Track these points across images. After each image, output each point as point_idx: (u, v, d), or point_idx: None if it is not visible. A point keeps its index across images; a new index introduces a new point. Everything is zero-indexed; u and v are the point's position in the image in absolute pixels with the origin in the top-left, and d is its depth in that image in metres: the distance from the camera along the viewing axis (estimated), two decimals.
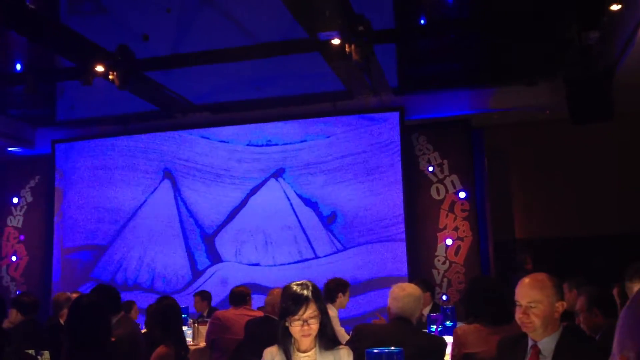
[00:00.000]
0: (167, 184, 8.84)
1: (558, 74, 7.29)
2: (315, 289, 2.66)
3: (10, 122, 9.13)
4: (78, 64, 7.02)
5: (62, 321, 4.99)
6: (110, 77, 6.93)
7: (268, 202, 8.38)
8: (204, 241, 8.59)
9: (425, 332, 4.33)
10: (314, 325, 2.59)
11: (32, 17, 6.16)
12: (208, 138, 8.77)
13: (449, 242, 7.92)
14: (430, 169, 8.14)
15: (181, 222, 8.70)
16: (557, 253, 7.92)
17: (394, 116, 8.16)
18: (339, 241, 8.13)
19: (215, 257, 8.53)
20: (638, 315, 1.49)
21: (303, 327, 2.57)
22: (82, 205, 9.12)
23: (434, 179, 8.12)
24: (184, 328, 5.06)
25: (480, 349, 3.19)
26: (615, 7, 5.58)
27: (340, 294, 5.39)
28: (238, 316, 5.29)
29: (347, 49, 6.15)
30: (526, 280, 2.61)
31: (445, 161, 8.11)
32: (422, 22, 8.40)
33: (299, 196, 8.31)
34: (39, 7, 7.69)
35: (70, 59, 7.15)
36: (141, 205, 8.88)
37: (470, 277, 7.11)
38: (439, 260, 7.94)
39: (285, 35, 7.21)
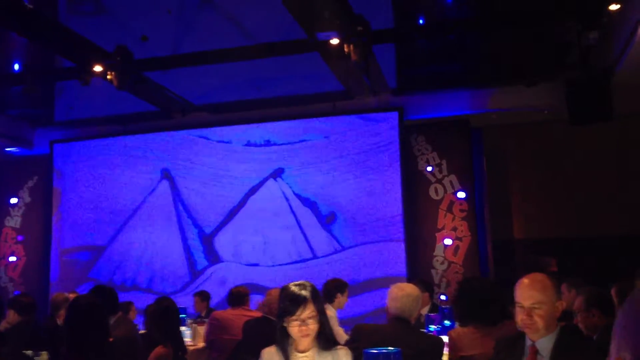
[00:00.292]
0: (165, 184, 8.84)
1: (557, 74, 7.30)
2: (313, 290, 2.66)
3: (8, 122, 9.12)
4: (77, 64, 7.01)
5: (59, 322, 4.98)
6: (109, 77, 6.92)
7: (267, 202, 8.37)
8: (202, 241, 8.59)
9: (424, 332, 4.33)
10: (312, 326, 2.58)
11: (31, 17, 6.15)
12: (207, 138, 8.77)
13: (447, 242, 7.92)
14: (429, 169, 8.14)
15: (180, 222, 8.69)
16: (555, 253, 7.93)
17: (393, 116, 8.16)
18: (338, 241, 8.13)
19: (213, 257, 8.52)
20: (633, 315, 1.48)
21: (301, 327, 2.57)
22: (80, 205, 9.11)
23: (433, 179, 8.12)
24: (183, 328, 5.06)
25: (475, 352, 3.19)
26: (614, 7, 5.58)
27: (338, 294, 5.39)
28: (236, 316, 5.28)
29: (346, 49, 6.15)
30: (526, 281, 2.60)
31: (444, 161, 8.11)
32: (421, 22, 8.40)
33: (298, 196, 8.31)
34: (38, 6, 7.68)
35: (69, 59, 7.14)
36: (140, 205, 8.87)
37: (462, 278, 7.10)
38: (437, 261, 7.94)
39: (284, 35, 7.20)
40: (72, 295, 5.23)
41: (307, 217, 8.23)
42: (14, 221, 9.48)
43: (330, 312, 4.99)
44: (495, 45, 7.94)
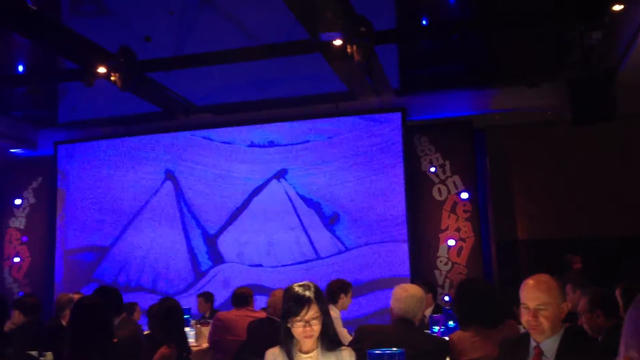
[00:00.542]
0: (169, 185, 8.85)
1: (560, 74, 7.29)
2: (317, 290, 2.66)
3: (12, 123, 9.15)
4: (80, 66, 7.03)
5: (64, 322, 4.99)
6: (112, 78, 6.94)
7: (270, 203, 8.38)
8: (206, 242, 8.60)
9: (428, 333, 4.33)
10: (316, 327, 2.59)
11: (34, 19, 6.17)
12: (210, 139, 8.78)
13: (451, 243, 7.91)
14: (432, 169, 8.14)
15: (183, 223, 8.71)
16: (559, 254, 7.91)
17: (396, 117, 8.16)
18: (342, 242, 8.13)
19: (217, 258, 8.53)
20: None
21: (305, 328, 2.58)
22: (84, 206, 9.13)
23: (436, 180, 8.11)
24: (187, 329, 5.06)
25: (477, 355, 3.18)
26: (617, 8, 5.57)
27: (342, 295, 5.39)
28: (240, 317, 5.29)
29: (348, 50, 6.16)
30: (531, 282, 2.59)
31: (447, 162, 8.10)
32: (424, 22, 8.39)
33: (301, 197, 8.31)
34: (41, 8, 7.70)
35: (72, 60, 7.16)
36: (143, 206, 8.89)
37: (459, 280, 7.09)
38: (441, 261, 7.94)
39: (286, 36, 7.21)
40: (76, 296, 5.25)
41: (310, 218, 8.24)
42: (18, 222, 9.51)
43: (334, 312, 4.99)
44: (498, 46, 7.94)
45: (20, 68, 8.63)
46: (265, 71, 8.10)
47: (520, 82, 7.67)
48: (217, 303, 7.57)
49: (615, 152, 8.11)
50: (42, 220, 9.38)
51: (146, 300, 7.28)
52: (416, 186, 8.08)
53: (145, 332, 4.84)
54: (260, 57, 7.46)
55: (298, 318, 2.58)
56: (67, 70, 8.56)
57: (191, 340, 5.65)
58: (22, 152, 9.46)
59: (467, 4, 8.21)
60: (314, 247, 8.20)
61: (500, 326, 3.29)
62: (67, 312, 4.83)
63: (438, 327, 4.63)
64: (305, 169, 8.35)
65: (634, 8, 5.63)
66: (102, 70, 6.82)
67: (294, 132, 8.47)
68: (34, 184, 9.55)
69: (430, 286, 6.07)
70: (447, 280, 7.87)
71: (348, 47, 6.14)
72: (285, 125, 8.52)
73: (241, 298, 5.51)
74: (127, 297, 5.93)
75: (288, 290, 2.68)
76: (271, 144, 8.54)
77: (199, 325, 6.10)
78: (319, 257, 8.17)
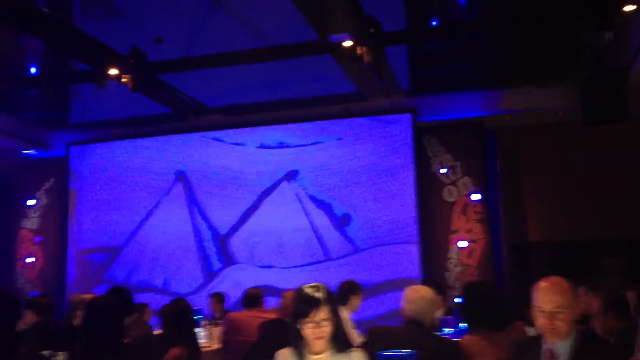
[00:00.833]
0: (180, 186, 8.89)
1: (571, 75, 7.25)
2: (327, 292, 2.66)
3: (25, 124, 9.23)
4: (92, 67, 7.08)
5: (76, 323, 5.02)
6: (124, 80, 6.99)
7: (281, 204, 8.39)
8: (216, 243, 8.62)
9: (439, 334, 4.31)
10: (326, 328, 2.59)
11: (46, 21, 6.23)
12: (221, 140, 8.81)
13: (461, 244, 7.88)
14: (443, 171, 8.11)
15: (194, 224, 8.74)
16: (571, 256, 7.85)
17: (406, 118, 8.15)
18: (352, 243, 8.13)
19: (228, 259, 8.56)
20: None
21: (315, 329, 2.58)
22: (96, 207, 9.19)
23: (447, 181, 8.09)
24: (198, 330, 5.08)
25: (486, 359, 3.17)
26: (629, 8, 5.54)
27: (352, 296, 5.38)
28: (251, 318, 5.29)
29: (358, 51, 6.16)
30: (546, 285, 2.57)
31: (458, 163, 8.08)
32: (434, 23, 8.38)
33: (312, 198, 8.32)
34: (53, 10, 7.76)
35: (84, 62, 7.21)
36: (154, 207, 8.93)
37: (465, 283, 7.07)
38: (451, 263, 7.91)
39: (296, 37, 7.22)
40: (88, 297, 5.28)
41: (321, 219, 8.24)
42: (31, 222, 9.58)
43: (345, 314, 4.99)
44: (508, 46, 7.91)
45: (33, 70, 8.70)
46: (276, 72, 8.12)
47: (531, 83, 7.64)
48: (227, 304, 7.58)
49: (627, 152, 8.05)
50: (54, 220, 9.45)
51: (157, 301, 7.29)
52: (426, 187, 8.06)
53: (157, 332, 4.86)
54: (271, 59, 7.48)
55: (308, 319, 2.58)
56: (79, 72, 8.64)
57: (202, 340, 5.67)
58: (35, 153, 9.55)
59: (478, 5, 8.19)
60: (324, 248, 8.20)
61: (507, 328, 3.27)
62: (79, 313, 4.85)
63: (449, 329, 4.61)
64: (316, 170, 8.35)
65: None
66: (113, 71, 6.87)
67: (305, 133, 8.48)
68: (47, 185, 9.62)
69: (440, 288, 6.05)
70: (458, 282, 7.83)
71: (358, 48, 6.14)
72: (296, 127, 8.53)
73: (252, 299, 5.52)
74: (139, 298, 5.96)
75: (298, 292, 2.68)
76: (281, 145, 8.55)
77: (210, 326, 6.12)
78: (329, 259, 8.17)
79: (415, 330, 3.27)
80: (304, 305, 2.60)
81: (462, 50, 8.19)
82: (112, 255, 9.01)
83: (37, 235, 9.52)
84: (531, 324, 3.97)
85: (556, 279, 2.61)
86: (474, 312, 3.36)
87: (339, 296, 5.20)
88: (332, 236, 8.19)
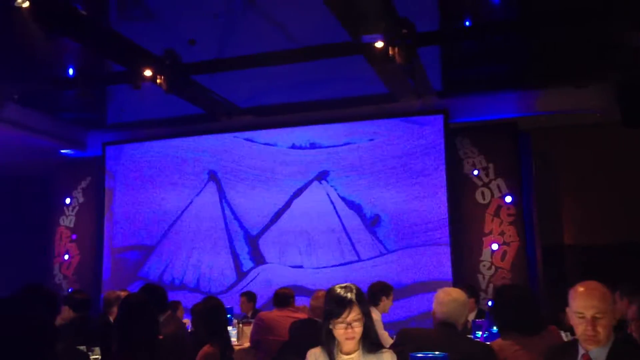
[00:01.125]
0: (212, 186, 8.99)
1: (608, 75, 7.10)
2: (359, 292, 2.67)
3: (63, 124, 9.45)
4: (128, 69, 7.21)
5: (111, 319, 5.13)
6: (158, 81, 7.10)
7: (312, 204, 8.42)
8: (248, 243, 8.70)
9: (471, 338, 4.27)
10: (358, 329, 2.59)
11: (85, 24, 6.37)
12: (252, 141, 8.88)
13: (494, 247, 7.78)
14: (475, 172, 8.03)
15: (226, 223, 8.82)
16: (607, 260, 7.69)
17: (438, 119, 8.09)
18: (383, 244, 8.10)
19: (259, 259, 8.62)
20: None
21: (347, 330, 2.58)
22: (131, 205, 9.35)
23: (479, 183, 8.00)
24: (229, 328, 5.13)
25: None
26: None
27: (383, 297, 5.38)
28: (282, 317, 5.32)
29: (390, 52, 6.14)
30: (585, 290, 2.51)
31: (491, 165, 7.98)
32: (467, 23, 8.28)
33: (343, 199, 8.32)
34: (90, 13, 7.92)
35: (120, 63, 7.35)
36: (187, 206, 9.05)
37: (497, 286, 6.99)
38: (484, 266, 7.82)
39: (329, 38, 7.23)
40: (123, 294, 5.38)
41: (351, 219, 8.24)
42: (68, 220, 9.79)
43: (375, 315, 4.98)
44: (544, 46, 7.77)
45: (71, 71, 8.90)
46: (307, 73, 8.14)
47: (568, 83, 7.50)
48: (258, 303, 7.64)
49: None
50: (90, 219, 9.64)
51: (189, 299, 7.41)
52: (458, 189, 7.98)
53: (189, 330, 4.93)
54: (302, 60, 7.50)
55: (339, 320, 2.59)
56: (115, 73, 8.80)
57: (233, 339, 5.72)
58: (72, 152, 9.76)
59: (512, 5, 8.07)
60: (355, 249, 8.20)
61: (541, 333, 3.22)
62: (115, 309, 4.95)
63: (481, 333, 4.56)
64: (347, 171, 8.35)
65: None
66: (148, 73, 6.98)
67: (336, 134, 8.49)
68: (83, 184, 9.82)
69: (472, 290, 5.99)
70: (491, 285, 7.74)
71: (390, 49, 6.12)
72: (327, 127, 8.54)
73: (283, 298, 5.54)
74: (172, 296, 6.06)
75: (330, 292, 2.69)
76: (313, 145, 8.58)
77: (241, 325, 6.17)
78: (359, 259, 8.16)
79: (447, 333, 3.24)
80: (335, 305, 2.61)
81: (496, 50, 8.08)
82: (146, 254, 9.15)
83: (74, 232, 9.72)
84: (566, 328, 3.91)
85: (594, 284, 2.55)
86: (506, 315, 3.31)
87: (369, 297, 5.20)
88: (362, 237, 8.18)
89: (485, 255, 7.83)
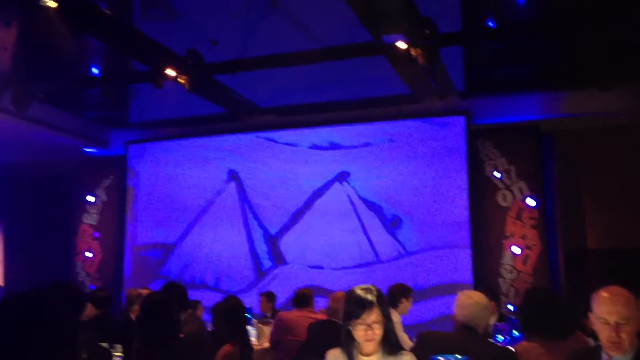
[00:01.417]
0: (233, 185, 9.03)
1: (634, 77, 6.99)
2: (379, 294, 2.66)
3: (86, 123, 9.57)
4: (150, 68, 7.27)
5: (133, 316, 5.17)
6: (181, 80, 7.15)
7: (332, 205, 8.41)
8: (267, 242, 8.72)
9: (492, 342, 4.23)
10: (378, 330, 2.59)
11: (109, 23, 6.44)
12: (273, 140, 8.90)
13: (516, 250, 7.70)
14: (497, 174, 7.95)
15: (246, 223, 8.86)
16: (631, 265, 7.56)
17: (460, 120, 8.03)
18: (403, 246, 8.07)
19: (278, 259, 8.63)
20: None
21: (367, 331, 2.58)
22: (152, 204, 9.43)
23: (501, 185, 7.93)
24: (248, 328, 5.14)
25: None
26: None
27: (403, 299, 5.35)
28: (301, 318, 5.32)
29: (412, 53, 6.11)
30: (609, 295, 2.48)
31: (513, 167, 7.90)
32: (491, 24, 8.21)
33: (363, 199, 8.30)
34: (115, 12, 8.01)
35: (143, 63, 7.41)
36: (208, 205, 9.10)
37: (526, 289, 6.91)
38: (505, 269, 7.74)
39: (350, 38, 7.22)
40: (145, 292, 5.43)
41: (371, 220, 8.21)
42: (91, 218, 9.90)
43: (395, 317, 4.96)
44: (568, 47, 7.66)
45: (95, 70, 9.01)
46: (329, 73, 8.14)
47: (592, 85, 7.39)
48: (277, 303, 7.66)
49: None
50: (113, 217, 9.74)
51: (209, 298, 7.44)
52: (480, 191, 7.92)
53: (209, 330, 4.95)
54: (324, 60, 7.50)
55: (360, 321, 2.58)
56: (138, 73, 8.89)
57: (252, 339, 5.73)
58: (95, 151, 9.88)
59: (536, 5, 7.98)
60: (374, 250, 8.17)
61: (568, 338, 3.17)
62: (137, 307, 5.00)
63: (502, 336, 4.52)
64: (367, 172, 8.33)
65: None
66: (170, 72, 7.03)
67: (356, 135, 8.47)
68: (106, 182, 9.92)
69: (493, 294, 5.92)
70: (512, 289, 7.66)
71: (412, 49, 6.09)
72: (348, 128, 8.53)
73: (302, 299, 5.55)
74: (191, 294, 6.08)
75: (350, 293, 2.68)
76: (333, 146, 8.57)
77: (260, 325, 6.18)
78: (379, 261, 8.13)
79: (468, 336, 3.21)
80: (355, 306, 2.60)
81: (519, 52, 7.99)
82: (167, 252, 9.23)
83: (96, 230, 9.83)
84: (588, 334, 3.84)
85: (618, 289, 2.51)
86: (532, 318, 3.27)
87: (389, 299, 5.18)
88: (382, 238, 8.15)
89: (507, 259, 7.75)
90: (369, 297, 2.61)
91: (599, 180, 8.41)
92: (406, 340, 4.77)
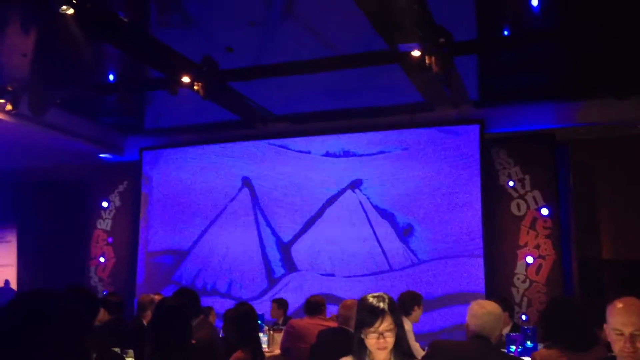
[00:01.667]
0: (246, 192, 9.05)
1: None
2: (391, 302, 2.64)
3: (102, 129, 9.65)
4: (166, 75, 7.32)
5: (145, 322, 5.19)
6: (195, 87, 7.19)
7: (344, 212, 8.40)
8: (280, 249, 8.72)
9: (505, 352, 4.20)
10: (390, 339, 2.57)
11: (125, 30, 6.51)
12: (286, 148, 8.92)
13: (529, 260, 7.64)
14: (511, 184, 7.91)
15: (258, 230, 8.87)
16: None
17: (474, 129, 8.01)
18: (415, 254, 8.04)
19: (290, 266, 8.63)
20: None
21: (379, 340, 2.56)
22: (165, 210, 9.48)
23: (515, 195, 7.88)
24: (259, 334, 5.13)
25: None
26: None
27: (416, 307, 5.32)
28: (312, 325, 5.31)
29: (427, 61, 6.10)
30: (623, 306, 2.44)
31: (527, 176, 7.85)
32: (506, 33, 8.17)
33: (376, 208, 8.28)
34: (131, 19, 8.08)
35: (159, 70, 7.47)
36: (221, 212, 9.13)
37: (552, 297, 6.82)
38: (518, 279, 7.68)
39: (365, 46, 7.23)
40: (157, 297, 5.45)
41: (384, 229, 8.19)
42: (105, 224, 9.97)
43: (407, 325, 4.93)
44: (584, 56, 7.61)
45: (111, 77, 9.08)
46: (343, 81, 8.14)
47: (608, 95, 7.33)
48: (289, 310, 7.64)
49: None
50: (126, 222, 9.80)
51: (221, 304, 7.47)
52: (493, 200, 7.87)
53: (220, 337, 4.95)
54: (338, 67, 7.51)
55: (372, 329, 2.56)
56: (154, 79, 8.94)
57: (264, 346, 5.72)
58: (110, 157, 9.95)
59: (552, 14, 7.93)
60: (386, 259, 8.14)
61: (589, 350, 3.12)
62: (148, 312, 5.03)
63: (515, 347, 4.48)
64: (380, 180, 8.32)
65: None
66: (186, 79, 7.08)
67: (370, 143, 8.47)
68: (120, 188, 10.00)
69: (506, 304, 5.88)
70: (525, 299, 7.60)
71: (426, 58, 6.09)
72: (361, 136, 8.53)
73: (314, 306, 5.53)
74: (203, 301, 6.09)
75: (362, 301, 2.67)
76: (346, 153, 8.57)
77: (271, 332, 6.17)
78: (391, 269, 8.10)
79: (481, 346, 3.18)
80: (367, 314, 2.59)
81: (534, 60, 7.94)
82: (180, 258, 9.26)
83: (110, 236, 9.89)
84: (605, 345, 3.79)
85: (632, 300, 2.48)
86: (554, 326, 3.23)
87: (401, 307, 5.15)
88: (394, 247, 8.13)
89: (520, 268, 7.69)
90: (381, 305, 2.59)
91: (613, 190, 8.33)
92: (418, 349, 4.73)
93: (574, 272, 7.82)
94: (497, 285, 7.63)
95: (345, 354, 2.72)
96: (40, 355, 1.50)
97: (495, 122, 8.05)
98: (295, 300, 7.86)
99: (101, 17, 6.09)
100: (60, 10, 5.57)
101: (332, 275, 8.34)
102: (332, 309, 6.65)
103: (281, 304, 7.44)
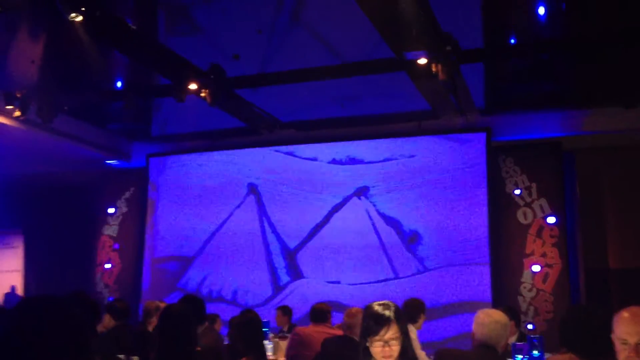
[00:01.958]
0: (251, 199, 9.06)
1: None
2: (397, 310, 2.64)
3: (109, 135, 9.69)
4: (174, 82, 7.36)
5: (150, 328, 5.20)
6: (202, 94, 7.22)
7: (350, 220, 8.40)
8: (285, 257, 8.71)
9: None
10: (395, 347, 2.56)
11: (133, 37, 6.55)
12: (293, 155, 8.93)
13: (536, 268, 7.60)
14: (517, 192, 7.88)
15: (264, 236, 8.87)
16: None
17: (480, 137, 8.00)
18: (421, 262, 8.01)
19: (296, 273, 8.62)
20: None
21: (384, 348, 2.55)
22: (172, 216, 9.49)
23: (521, 203, 7.85)
24: (265, 342, 5.12)
25: None
26: None
27: (422, 315, 5.30)
28: (318, 333, 5.29)
29: (433, 69, 6.11)
30: (629, 315, 2.43)
31: (534, 184, 7.83)
32: (512, 41, 8.18)
33: (382, 215, 8.27)
34: (140, 27, 8.15)
35: (167, 77, 7.51)
36: (227, 219, 9.13)
37: (549, 307, 6.81)
38: (525, 287, 7.64)
39: (371, 54, 7.25)
40: (162, 304, 5.45)
41: (390, 236, 8.18)
42: (111, 230, 9.98)
43: (413, 333, 4.91)
44: (591, 65, 7.61)
45: (119, 84, 9.14)
46: (349, 89, 8.17)
47: (616, 103, 7.32)
48: (294, 318, 7.63)
49: None
50: (133, 229, 9.81)
51: (226, 312, 7.46)
52: (500, 208, 7.85)
53: (226, 343, 4.94)
54: (345, 75, 7.53)
55: (377, 337, 2.56)
56: (161, 86, 9.00)
57: (269, 353, 5.71)
58: (117, 163, 9.98)
59: (559, 23, 7.94)
60: (392, 266, 8.13)
61: (605, 358, 3.09)
62: (154, 319, 5.03)
63: (521, 356, 4.45)
64: (387, 187, 8.31)
65: None
66: (193, 86, 7.11)
67: (376, 150, 8.47)
68: (127, 194, 10.01)
69: (513, 312, 5.84)
70: (531, 308, 7.56)
71: (433, 65, 6.09)
72: (368, 143, 8.53)
73: (320, 314, 5.51)
74: (209, 308, 6.09)
75: (368, 309, 2.66)
76: (353, 161, 8.58)
77: (276, 339, 6.16)
78: (397, 277, 8.08)
79: (487, 355, 3.17)
80: (373, 322, 2.58)
81: (541, 69, 7.94)
82: (185, 265, 9.26)
83: (116, 242, 9.90)
84: None
85: (637, 309, 2.47)
86: (567, 333, 3.20)
87: (407, 314, 5.12)
88: (400, 254, 8.11)
89: (526, 277, 7.66)
90: (387, 313, 2.58)
91: (620, 199, 8.30)
92: (424, 358, 4.71)
93: (580, 280, 7.78)
94: (504, 294, 7.59)
95: None
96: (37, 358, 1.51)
97: (502, 130, 8.04)
98: (300, 308, 7.85)
99: (110, 25, 6.13)
100: (69, 17, 5.61)
101: (338, 282, 8.33)
102: (337, 317, 6.64)
103: (286, 311, 7.42)
